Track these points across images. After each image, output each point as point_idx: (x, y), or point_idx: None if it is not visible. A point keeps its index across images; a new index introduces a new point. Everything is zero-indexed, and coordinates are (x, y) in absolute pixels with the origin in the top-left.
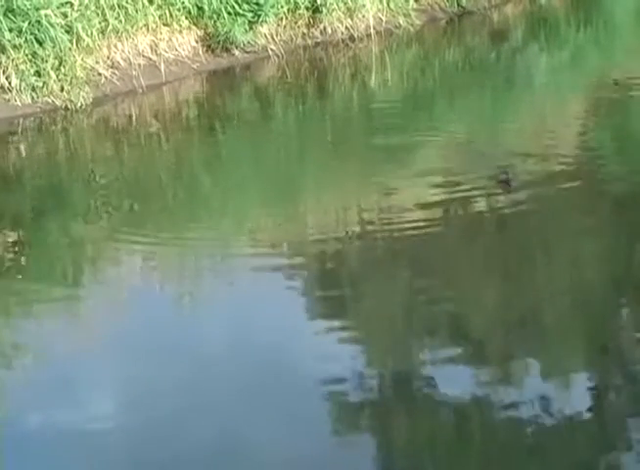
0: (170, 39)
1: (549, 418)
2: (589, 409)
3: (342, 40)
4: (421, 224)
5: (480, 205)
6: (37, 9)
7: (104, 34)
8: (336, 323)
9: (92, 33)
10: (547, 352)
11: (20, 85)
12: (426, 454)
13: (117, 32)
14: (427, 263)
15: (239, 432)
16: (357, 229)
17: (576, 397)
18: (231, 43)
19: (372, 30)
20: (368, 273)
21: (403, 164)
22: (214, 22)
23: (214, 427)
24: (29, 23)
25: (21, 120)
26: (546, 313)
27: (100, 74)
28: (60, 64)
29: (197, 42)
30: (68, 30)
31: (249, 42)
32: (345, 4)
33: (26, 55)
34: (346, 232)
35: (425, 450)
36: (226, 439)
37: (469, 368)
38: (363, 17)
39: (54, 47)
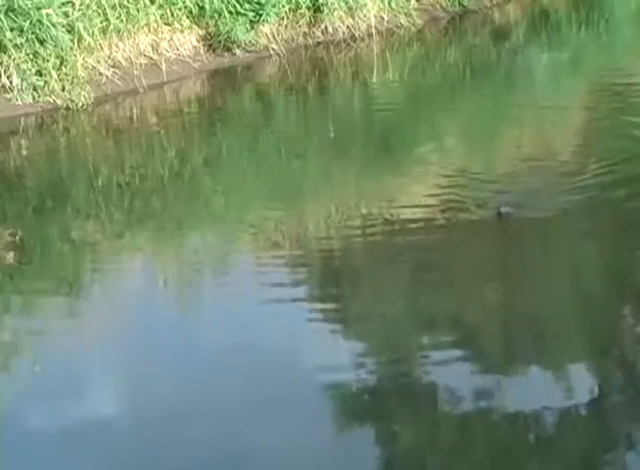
0: (172, 39)
1: (550, 418)
2: (590, 410)
3: (344, 40)
4: (419, 229)
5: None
6: (38, 8)
7: (105, 34)
8: (337, 324)
9: (93, 33)
10: (548, 352)
11: (21, 85)
12: (429, 455)
13: (119, 32)
14: (428, 263)
15: (239, 432)
16: (356, 230)
17: (577, 397)
18: (232, 42)
19: (373, 30)
20: (370, 275)
21: (402, 166)
22: (216, 21)
23: (215, 426)
24: (31, 23)
25: (22, 120)
26: (546, 319)
27: (101, 74)
28: (61, 63)
29: (198, 41)
30: (70, 30)
31: (250, 41)
32: (347, 3)
33: (28, 54)
34: (346, 233)
35: (428, 451)
36: (227, 438)
37: (470, 369)
38: (364, 16)
39: (55, 46)
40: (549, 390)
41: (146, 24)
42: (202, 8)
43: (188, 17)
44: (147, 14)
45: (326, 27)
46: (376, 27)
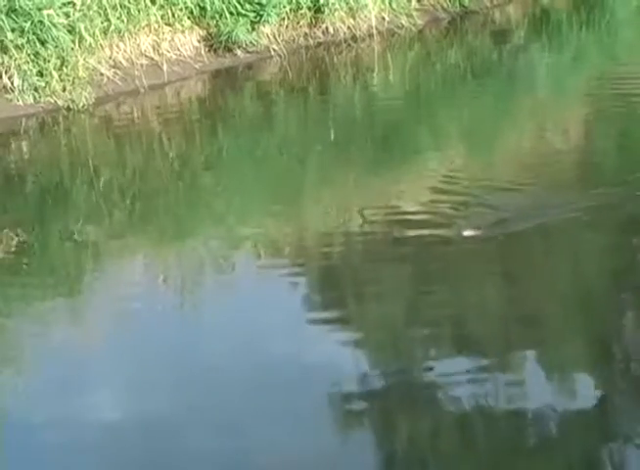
0: (173, 39)
1: (550, 418)
2: (590, 410)
3: (345, 40)
4: (418, 228)
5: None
6: (40, 9)
7: (106, 34)
8: (338, 325)
9: (94, 33)
10: (548, 351)
11: (22, 85)
12: (432, 462)
13: (120, 32)
14: (427, 265)
15: (242, 433)
16: (356, 230)
17: (578, 397)
18: (233, 43)
19: (374, 30)
20: (371, 276)
21: (401, 169)
22: (217, 21)
23: (218, 427)
24: (32, 23)
25: (23, 120)
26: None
27: (102, 74)
28: (62, 64)
29: (199, 42)
30: (71, 30)
31: (251, 42)
32: (348, 4)
33: (29, 55)
34: (346, 233)
35: (432, 458)
36: (230, 439)
37: (470, 368)
38: (365, 17)
39: (56, 47)
40: (549, 392)
41: (147, 25)
42: (203, 8)
43: (189, 17)
44: (148, 14)
45: (327, 28)
46: (377, 28)
